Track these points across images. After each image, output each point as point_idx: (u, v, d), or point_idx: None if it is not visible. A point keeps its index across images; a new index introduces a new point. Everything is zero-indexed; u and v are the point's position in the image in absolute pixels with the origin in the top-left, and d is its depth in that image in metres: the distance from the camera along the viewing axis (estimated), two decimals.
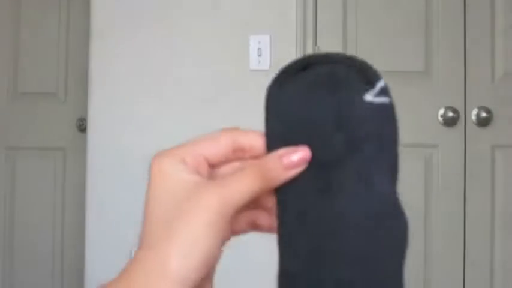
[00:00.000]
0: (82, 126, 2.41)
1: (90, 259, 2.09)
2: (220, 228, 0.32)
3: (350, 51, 2.10)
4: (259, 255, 1.79)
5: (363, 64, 0.37)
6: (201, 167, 0.35)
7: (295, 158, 0.33)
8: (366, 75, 0.36)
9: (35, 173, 2.49)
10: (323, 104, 0.34)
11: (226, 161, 0.36)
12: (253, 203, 0.35)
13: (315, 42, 2.09)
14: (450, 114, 2.04)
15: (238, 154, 0.36)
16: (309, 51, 2.07)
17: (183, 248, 0.31)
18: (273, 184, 0.33)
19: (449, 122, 2.05)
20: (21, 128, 2.52)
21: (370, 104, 0.35)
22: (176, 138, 2.17)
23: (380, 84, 0.36)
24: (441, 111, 2.05)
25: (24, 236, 2.48)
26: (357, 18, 2.10)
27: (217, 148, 0.35)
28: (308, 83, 0.35)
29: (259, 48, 2.06)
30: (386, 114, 0.36)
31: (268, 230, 0.36)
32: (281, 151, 0.33)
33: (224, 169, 0.36)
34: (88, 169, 2.12)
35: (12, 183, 2.51)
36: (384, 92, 0.36)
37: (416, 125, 2.06)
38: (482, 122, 2.04)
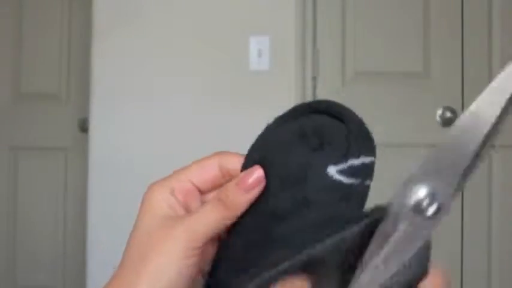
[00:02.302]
0: (84, 127, 2.42)
1: (92, 258, 2.10)
2: (189, 259, 0.33)
3: (349, 52, 2.12)
4: None
5: (360, 131, 0.34)
6: (191, 195, 0.37)
7: (250, 181, 0.34)
8: (351, 145, 0.33)
9: (37, 173, 2.50)
10: (292, 155, 0.34)
11: (215, 186, 0.37)
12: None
13: (314, 43, 2.11)
14: (448, 114, 2.06)
15: (227, 178, 0.37)
16: (309, 51, 2.09)
17: (151, 276, 0.33)
18: (235, 211, 0.34)
19: (447, 122, 2.06)
20: (23, 128, 2.53)
21: (330, 177, 0.33)
22: (176, 138, 2.19)
23: (354, 162, 0.33)
24: (439, 112, 2.07)
25: (27, 235, 2.50)
26: (356, 19, 2.12)
27: (205, 175, 0.37)
28: (295, 130, 0.35)
29: (259, 49, 2.08)
30: (339, 195, 0.33)
31: None
32: (237, 178, 0.34)
33: (213, 194, 0.38)
34: (90, 169, 2.13)
35: (14, 183, 2.52)
36: (354, 172, 0.33)
37: (415, 125, 2.08)
38: None
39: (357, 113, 0.35)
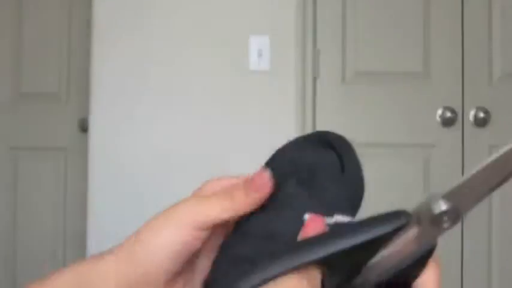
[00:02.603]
0: (84, 127, 2.42)
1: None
2: (185, 237, 0.33)
3: (349, 52, 2.12)
4: None
5: (351, 190, 0.34)
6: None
7: (255, 186, 0.34)
8: (335, 201, 0.34)
9: (37, 173, 2.50)
10: (284, 183, 0.35)
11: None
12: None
13: (314, 43, 2.11)
14: (448, 114, 2.06)
15: None
16: (309, 51, 2.09)
17: (144, 240, 0.33)
18: (239, 210, 0.34)
19: (447, 122, 2.06)
20: (23, 128, 2.53)
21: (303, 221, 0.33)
22: (176, 138, 2.19)
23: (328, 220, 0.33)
24: (439, 112, 2.07)
25: (27, 235, 2.50)
26: (356, 19, 2.12)
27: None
28: (294, 158, 0.37)
29: (259, 49, 2.08)
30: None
31: None
32: (246, 180, 0.35)
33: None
34: (89, 169, 2.13)
35: (14, 183, 2.52)
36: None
37: (415, 125, 2.08)
38: (480, 123, 2.05)
39: (361, 171, 0.35)
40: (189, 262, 0.35)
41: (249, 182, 0.34)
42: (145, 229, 0.34)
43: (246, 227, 0.35)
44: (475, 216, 2.06)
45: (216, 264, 0.35)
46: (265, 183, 0.34)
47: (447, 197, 0.28)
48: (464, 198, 0.29)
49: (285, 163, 0.36)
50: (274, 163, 0.37)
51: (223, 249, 0.35)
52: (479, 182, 0.28)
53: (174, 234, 0.33)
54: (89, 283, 0.34)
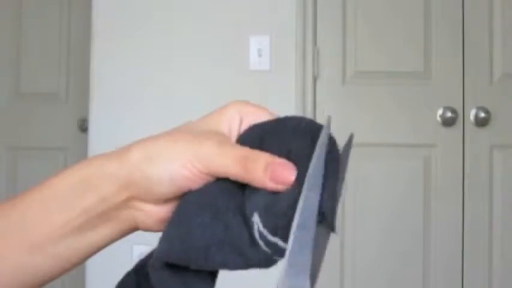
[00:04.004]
0: (83, 127, 2.42)
1: (91, 259, 2.10)
2: (191, 176, 0.35)
3: (349, 52, 2.11)
4: None
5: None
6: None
7: (278, 177, 0.33)
8: (275, 222, 0.32)
9: (37, 173, 2.50)
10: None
11: None
12: None
13: (314, 43, 2.10)
14: (449, 114, 2.05)
15: None
16: (309, 51, 2.08)
17: (148, 155, 0.35)
18: (246, 180, 0.34)
19: (448, 122, 2.06)
20: (22, 128, 2.53)
21: (252, 223, 0.33)
22: None
23: (270, 238, 0.32)
24: (440, 112, 2.07)
25: None
26: (357, 19, 2.11)
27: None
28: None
29: (259, 49, 2.07)
30: (249, 240, 0.33)
31: None
32: (273, 161, 0.33)
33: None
34: None
35: (13, 183, 2.52)
36: (268, 243, 0.32)
37: (415, 125, 2.08)
38: (481, 122, 2.05)
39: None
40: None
41: (273, 168, 0.33)
42: (156, 150, 0.35)
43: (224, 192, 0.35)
44: (475, 216, 2.05)
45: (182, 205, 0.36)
46: (288, 182, 0.32)
47: None
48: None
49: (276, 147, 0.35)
50: (266, 141, 0.36)
51: (199, 195, 0.35)
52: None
53: (182, 168, 0.34)
54: (93, 185, 0.36)
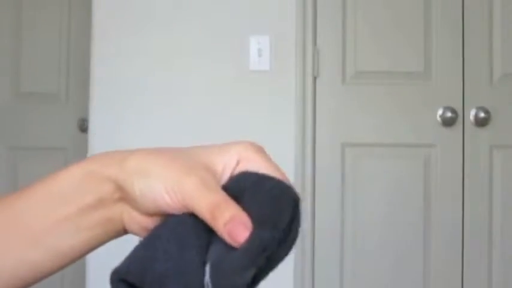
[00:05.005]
0: (83, 127, 2.42)
1: (90, 256, 2.10)
2: (171, 204, 0.36)
3: (349, 51, 2.11)
4: None
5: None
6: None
7: (233, 234, 0.34)
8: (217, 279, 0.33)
9: (36, 173, 2.49)
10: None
11: None
12: None
13: (314, 43, 2.10)
14: (449, 114, 2.05)
15: None
16: (309, 51, 2.09)
17: (144, 173, 0.37)
18: (213, 226, 0.35)
19: (448, 122, 2.06)
20: (22, 128, 2.53)
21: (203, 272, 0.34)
22: (176, 138, 2.18)
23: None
24: (440, 112, 2.07)
25: None
26: (357, 19, 2.11)
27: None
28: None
29: (259, 49, 2.07)
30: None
31: None
32: (236, 217, 0.34)
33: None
34: None
35: (13, 183, 2.51)
36: None
37: (415, 125, 2.08)
38: (481, 122, 2.05)
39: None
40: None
41: (233, 224, 0.34)
42: (150, 167, 0.37)
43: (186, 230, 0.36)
44: (475, 216, 2.05)
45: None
46: (238, 241, 0.33)
47: None
48: None
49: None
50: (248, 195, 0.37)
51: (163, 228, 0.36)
52: None
53: (165, 193, 0.36)
54: (93, 184, 0.38)
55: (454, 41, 2.09)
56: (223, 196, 0.36)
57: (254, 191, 0.37)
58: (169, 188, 0.35)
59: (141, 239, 0.37)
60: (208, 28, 2.11)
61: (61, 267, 0.40)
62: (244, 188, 0.37)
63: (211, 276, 0.33)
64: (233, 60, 2.09)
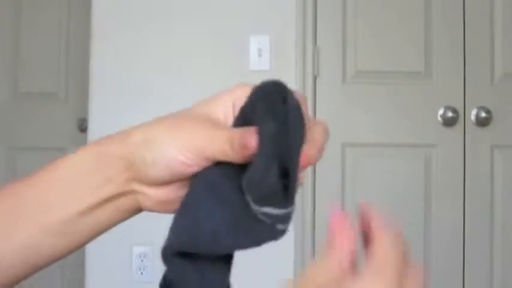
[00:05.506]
0: (83, 126, 2.41)
1: (90, 255, 2.10)
2: (185, 160, 0.36)
3: (349, 51, 2.11)
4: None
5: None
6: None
7: (243, 144, 0.35)
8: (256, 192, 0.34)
9: None
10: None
11: None
12: None
13: (314, 43, 2.10)
14: (450, 114, 2.05)
15: None
16: (309, 51, 2.08)
17: (147, 145, 0.37)
18: (238, 158, 0.35)
19: (449, 122, 2.05)
20: (21, 127, 2.53)
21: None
22: None
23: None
24: (441, 111, 2.06)
25: None
26: (357, 18, 2.11)
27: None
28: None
29: (259, 49, 2.07)
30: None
31: None
32: (237, 132, 0.35)
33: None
34: None
35: None
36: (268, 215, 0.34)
37: (416, 125, 2.07)
38: (482, 122, 2.05)
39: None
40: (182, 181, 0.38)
41: (240, 137, 0.35)
42: (155, 135, 0.37)
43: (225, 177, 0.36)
44: (476, 216, 2.05)
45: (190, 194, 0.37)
46: (250, 146, 0.34)
47: None
48: None
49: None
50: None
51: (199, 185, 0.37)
52: None
53: (179, 154, 0.36)
54: (101, 166, 0.39)
55: (455, 40, 2.08)
56: (233, 129, 0.37)
57: (251, 104, 0.37)
58: (182, 148, 0.36)
59: (176, 209, 0.37)
60: (208, 28, 2.11)
61: (69, 252, 0.41)
62: (245, 113, 0.38)
63: (252, 197, 0.34)
64: (233, 60, 2.09)
